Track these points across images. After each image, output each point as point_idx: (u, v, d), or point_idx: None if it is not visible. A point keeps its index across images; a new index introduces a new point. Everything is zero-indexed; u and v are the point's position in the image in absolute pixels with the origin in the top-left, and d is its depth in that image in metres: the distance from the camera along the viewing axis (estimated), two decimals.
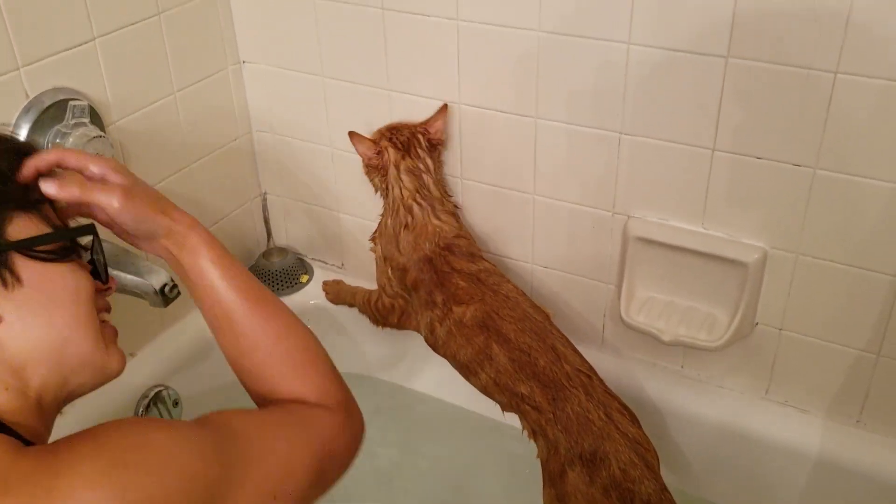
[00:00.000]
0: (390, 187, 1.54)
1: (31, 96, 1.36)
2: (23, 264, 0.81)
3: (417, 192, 1.54)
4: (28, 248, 0.81)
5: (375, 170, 1.56)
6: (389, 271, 1.54)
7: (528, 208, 1.59)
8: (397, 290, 1.55)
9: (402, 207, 1.52)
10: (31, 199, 0.85)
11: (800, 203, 1.35)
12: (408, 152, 1.54)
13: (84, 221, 0.92)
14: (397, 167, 1.53)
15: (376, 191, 1.59)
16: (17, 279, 0.80)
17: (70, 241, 0.87)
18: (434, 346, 1.52)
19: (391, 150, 1.53)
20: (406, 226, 1.52)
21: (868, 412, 1.49)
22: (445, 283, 1.48)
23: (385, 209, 1.57)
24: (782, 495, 1.56)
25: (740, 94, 1.30)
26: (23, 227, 0.82)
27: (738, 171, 1.36)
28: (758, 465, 1.56)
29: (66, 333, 0.84)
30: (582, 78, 1.41)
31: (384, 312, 1.62)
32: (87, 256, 0.90)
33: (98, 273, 0.92)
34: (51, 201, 0.87)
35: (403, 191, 1.53)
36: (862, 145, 1.26)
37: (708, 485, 1.62)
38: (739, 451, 1.56)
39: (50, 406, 0.85)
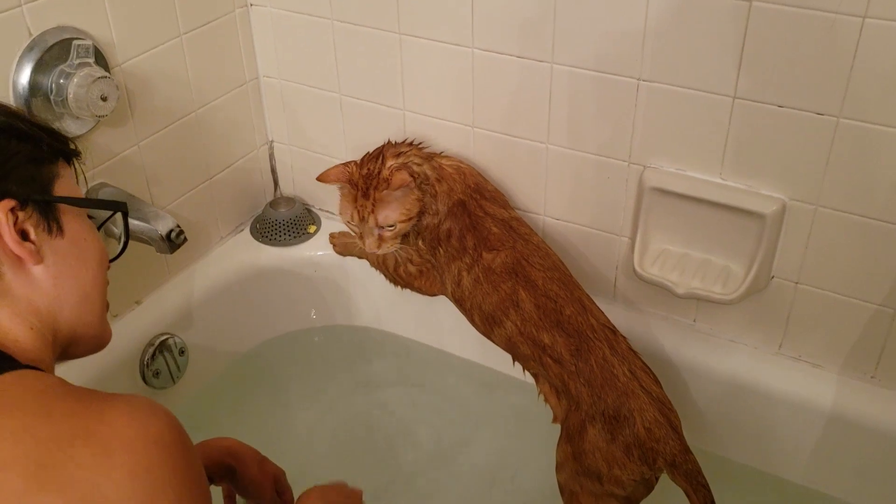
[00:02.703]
0: (416, 176, 1.47)
1: (35, 35, 1.33)
2: (67, 219, 0.89)
3: (418, 154, 1.51)
4: (75, 205, 0.90)
5: (425, 184, 1.47)
6: (420, 242, 1.51)
7: (541, 158, 1.56)
8: (426, 258, 1.53)
9: (425, 172, 1.47)
10: (73, 154, 0.95)
11: (821, 153, 1.32)
12: (389, 156, 1.48)
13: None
14: (395, 158, 1.48)
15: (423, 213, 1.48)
16: (61, 230, 0.88)
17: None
18: (460, 300, 1.49)
19: (393, 159, 1.47)
20: (438, 179, 1.48)
21: (883, 368, 1.47)
22: (478, 227, 1.45)
23: (423, 200, 1.48)
24: (794, 451, 1.55)
25: (763, 39, 1.26)
26: (66, 184, 0.91)
27: (759, 119, 1.33)
28: (770, 421, 1.55)
29: (88, 291, 0.91)
30: (600, 22, 1.37)
31: (407, 278, 1.60)
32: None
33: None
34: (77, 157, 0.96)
35: (414, 163, 1.48)
36: (889, 93, 1.23)
37: (718, 440, 1.61)
38: (751, 406, 1.55)
39: (56, 355, 0.90)
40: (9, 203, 0.83)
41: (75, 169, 0.96)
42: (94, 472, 0.70)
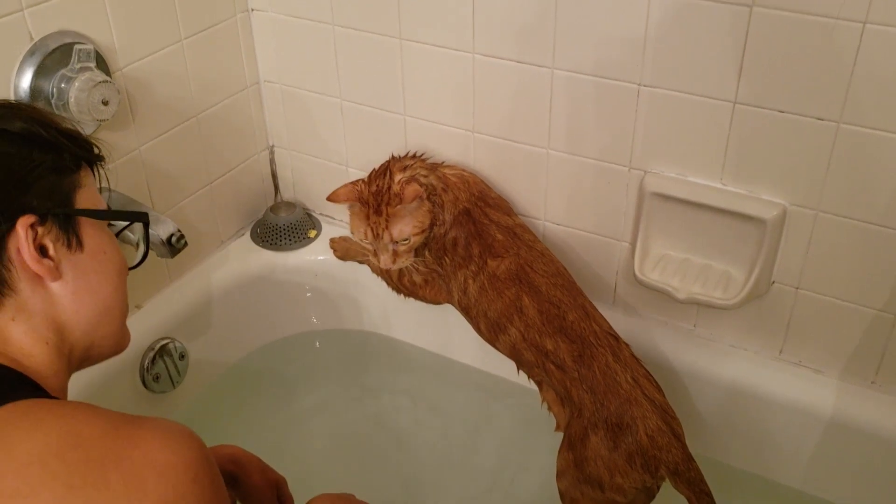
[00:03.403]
0: (425, 188, 1.48)
1: (36, 39, 1.33)
2: (87, 231, 0.87)
3: (423, 165, 1.52)
4: (97, 217, 0.89)
5: (433, 195, 1.48)
6: (427, 252, 1.51)
7: (542, 163, 1.56)
8: (432, 268, 1.53)
9: (431, 183, 1.48)
10: (96, 160, 0.93)
11: (822, 158, 1.32)
12: (396, 171, 1.48)
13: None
14: (402, 172, 1.48)
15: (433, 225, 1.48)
16: (80, 244, 0.87)
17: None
18: (466, 308, 1.49)
19: (400, 173, 1.48)
20: (444, 188, 1.49)
21: (884, 373, 1.47)
22: (483, 234, 1.46)
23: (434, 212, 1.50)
24: (794, 456, 1.55)
25: (764, 44, 1.26)
26: (88, 194, 0.89)
27: (760, 124, 1.33)
28: (769, 426, 1.54)
29: (108, 304, 0.90)
30: (601, 27, 1.37)
31: (412, 287, 1.60)
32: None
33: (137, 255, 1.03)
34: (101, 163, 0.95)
35: (421, 175, 1.49)
36: (889, 99, 1.23)
37: (718, 445, 1.60)
38: (751, 411, 1.55)
39: (72, 367, 0.90)
40: (29, 219, 0.82)
41: (98, 174, 0.94)
42: (125, 499, 0.69)
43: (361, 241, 1.49)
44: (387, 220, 1.43)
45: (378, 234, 1.44)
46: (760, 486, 1.60)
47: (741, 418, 1.57)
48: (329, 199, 1.49)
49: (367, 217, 1.45)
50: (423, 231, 1.45)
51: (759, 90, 1.30)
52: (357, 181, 1.49)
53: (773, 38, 1.25)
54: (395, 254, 1.46)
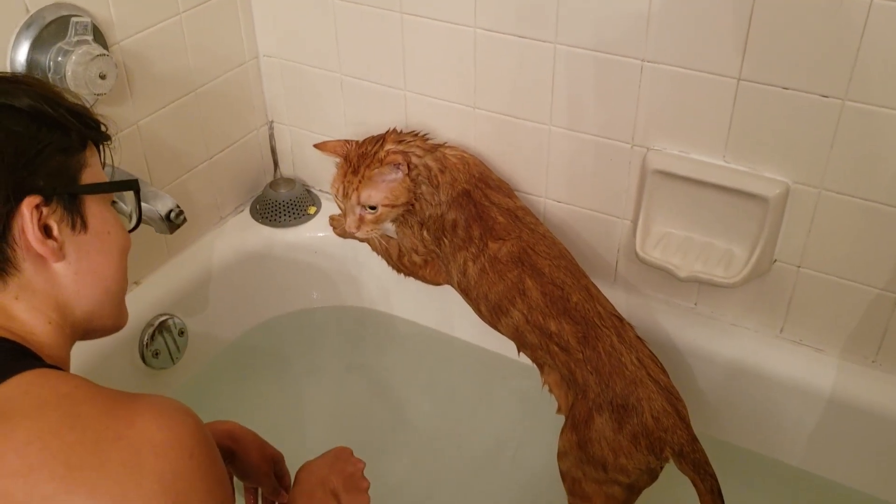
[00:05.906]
0: (413, 167, 1.46)
1: (32, 11, 1.32)
2: (91, 211, 0.87)
3: (422, 145, 1.50)
4: (95, 192, 0.88)
5: (427, 176, 1.46)
6: (425, 232, 1.50)
7: (544, 139, 1.55)
8: (431, 248, 1.52)
9: (426, 164, 1.46)
10: (102, 139, 0.93)
11: (826, 136, 1.31)
12: (390, 141, 1.47)
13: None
14: (396, 144, 1.47)
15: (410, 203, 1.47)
16: (85, 225, 0.87)
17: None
18: (465, 290, 1.49)
19: (393, 145, 1.47)
20: (441, 169, 1.47)
21: (884, 352, 1.46)
22: (484, 217, 1.45)
23: (416, 192, 1.48)
24: (794, 434, 1.55)
25: (769, 20, 1.25)
26: (92, 173, 0.89)
27: (764, 101, 1.32)
28: (770, 404, 1.54)
29: (109, 285, 0.90)
30: (604, 2, 1.35)
31: (412, 268, 1.59)
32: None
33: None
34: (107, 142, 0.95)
35: (415, 154, 1.47)
36: None
37: (719, 423, 1.60)
38: (752, 389, 1.55)
39: (72, 342, 0.91)
40: (34, 199, 0.82)
41: (102, 152, 0.94)
42: (123, 477, 0.70)
43: (335, 198, 1.50)
44: (359, 182, 1.43)
45: (347, 193, 1.45)
46: (760, 463, 1.60)
47: (742, 396, 1.57)
48: (316, 146, 1.50)
49: (345, 175, 1.45)
50: (393, 206, 1.44)
51: (763, 66, 1.29)
52: (350, 140, 1.49)
53: (778, 14, 1.24)
54: (361, 219, 1.46)
